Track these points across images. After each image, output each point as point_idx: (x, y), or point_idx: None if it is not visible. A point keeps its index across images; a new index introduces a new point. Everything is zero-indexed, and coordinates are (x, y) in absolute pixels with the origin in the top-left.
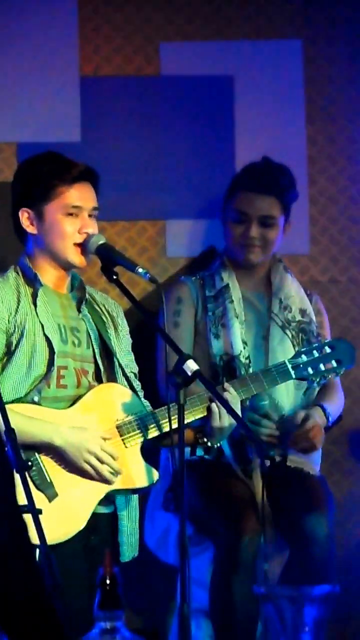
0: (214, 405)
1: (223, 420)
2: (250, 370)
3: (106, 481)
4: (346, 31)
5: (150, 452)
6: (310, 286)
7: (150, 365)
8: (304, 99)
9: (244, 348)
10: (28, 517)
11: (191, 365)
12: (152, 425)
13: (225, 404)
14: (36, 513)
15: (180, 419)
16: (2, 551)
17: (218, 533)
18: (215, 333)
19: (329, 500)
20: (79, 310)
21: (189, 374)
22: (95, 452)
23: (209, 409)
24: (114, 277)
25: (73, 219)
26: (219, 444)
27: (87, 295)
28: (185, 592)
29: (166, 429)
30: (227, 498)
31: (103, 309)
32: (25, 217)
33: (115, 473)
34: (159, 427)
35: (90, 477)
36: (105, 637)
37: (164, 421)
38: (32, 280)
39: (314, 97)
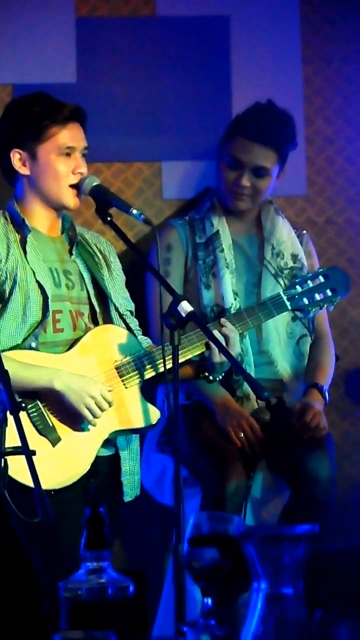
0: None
1: (222, 355)
2: None
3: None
4: None
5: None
6: (307, 227)
7: (141, 308)
8: (300, 38)
9: (235, 299)
10: (22, 459)
11: (185, 307)
12: (148, 366)
13: (219, 344)
14: (30, 455)
15: (175, 360)
16: None
17: (205, 479)
18: (205, 283)
19: (329, 441)
20: (71, 253)
21: (183, 315)
22: (95, 397)
23: (207, 345)
24: (109, 218)
25: (66, 159)
26: (220, 377)
27: (78, 237)
28: (180, 532)
29: (161, 369)
30: (214, 445)
31: (95, 248)
32: (17, 158)
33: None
34: (155, 368)
35: (80, 423)
36: (91, 578)
37: (159, 361)
38: (20, 226)
39: (310, 37)
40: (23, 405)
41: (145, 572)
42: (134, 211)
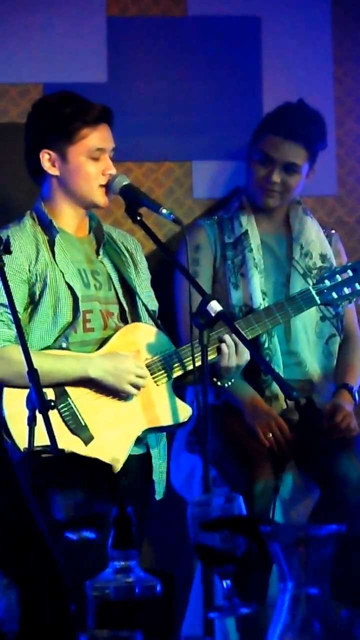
0: (223, 346)
1: (231, 360)
2: None
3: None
4: None
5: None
6: (337, 227)
7: (170, 307)
8: (331, 39)
9: (264, 299)
10: None
11: (215, 306)
12: (177, 364)
13: (246, 342)
14: (59, 454)
15: (204, 359)
16: None
17: (233, 479)
18: (234, 283)
19: (359, 442)
20: (98, 253)
21: (213, 315)
22: (134, 371)
23: (219, 350)
24: (138, 218)
25: (96, 161)
26: (229, 383)
27: (105, 236)
28: None
29: (189, 367)
30: (242, 445)
31: (122, 247)
32: (46, 159)
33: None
34: (183, 366)
35: (126, 413)
36: (118, 577)
37: (187, 359)
38: (48, 227)
39: (341, 37)
40: (53, 404)
41: (173, 572)
42: (164, 210)
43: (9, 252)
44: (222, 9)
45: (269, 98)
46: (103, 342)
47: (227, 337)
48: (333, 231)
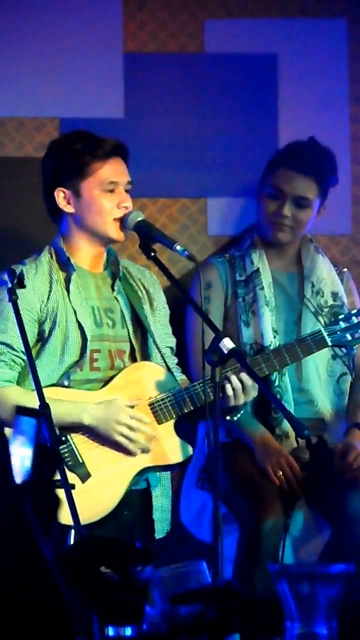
0: (228, 386)
1: (239, 400)
2: None
3: (143, 450)
4: None
5: (186, 430)
6: (351, 267)
7: (181, 344)
8: (348, 77)
9: (275, 337)
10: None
11: (227, 344)
12: (184, 402)
13: (259, 381)
14: (69, 489)
15: (216, 397)
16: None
17: (243, 517)
18: (245, 321)
19: None
20: (113, 288)
21: (225, 352)
22: (125, 422)
23: (223, 389)
24: (152, 254)
25: (110, 195)
26: (236, 418)
27: (121, 271)
28: (218, 569)
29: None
30: (252, 482)
31: (139, 283)
32: (61, 197)
33: (150, 438)
34: (193, 403)
35: (125, 451)
36: None
37: (193, 398)
38: (65, 265)
39: (358, 75)
40: (63, 438)
41: None
42: (178, 247)
43: (23, 286)
44: (239, 46)
45: (285, 135)
46: (107, 381)
47: (233, 378)
48: (345, 269)
